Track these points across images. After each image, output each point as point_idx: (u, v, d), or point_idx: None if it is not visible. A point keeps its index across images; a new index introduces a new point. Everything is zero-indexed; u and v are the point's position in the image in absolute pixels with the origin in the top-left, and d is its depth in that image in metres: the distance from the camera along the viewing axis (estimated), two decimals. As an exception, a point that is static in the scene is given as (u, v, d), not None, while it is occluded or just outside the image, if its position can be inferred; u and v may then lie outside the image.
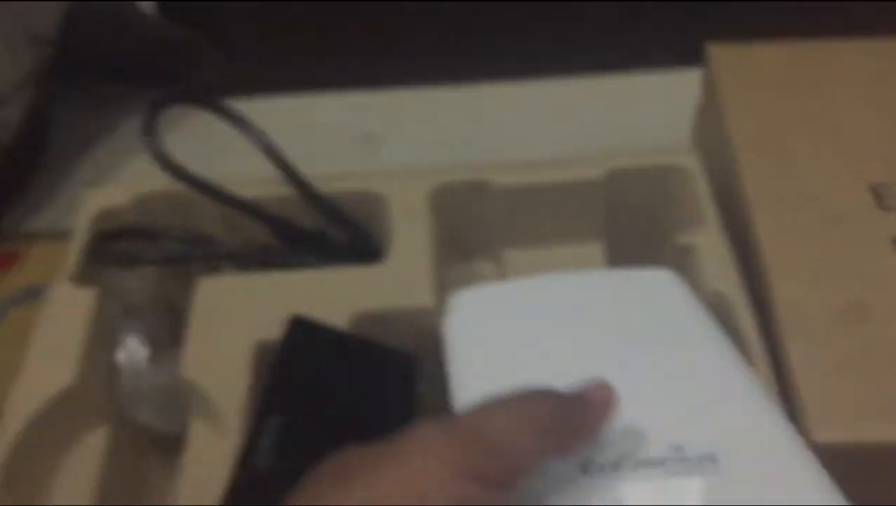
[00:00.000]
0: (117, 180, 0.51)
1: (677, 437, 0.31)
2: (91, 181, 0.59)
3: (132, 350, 0.43)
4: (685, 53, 0.55)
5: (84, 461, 0.41)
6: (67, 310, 0.43)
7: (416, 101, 0.62)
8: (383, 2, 0.59)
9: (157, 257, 0.45)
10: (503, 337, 0.38)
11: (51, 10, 0.53)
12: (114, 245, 0.46)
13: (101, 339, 0.43)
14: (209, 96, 0.45)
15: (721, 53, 0.50)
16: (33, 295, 0.53)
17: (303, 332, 0.40)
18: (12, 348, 0.43)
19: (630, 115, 0.61)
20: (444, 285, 0.44)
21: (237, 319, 0.42)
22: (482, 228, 0.49)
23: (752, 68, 0.50)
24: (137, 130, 0.60)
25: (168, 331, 0.46)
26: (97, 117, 0.63)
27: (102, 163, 0.61)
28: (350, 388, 0.39)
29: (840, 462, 0.34)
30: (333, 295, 0.42)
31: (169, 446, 0.42)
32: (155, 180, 0.46)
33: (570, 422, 0.29)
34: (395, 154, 0.60)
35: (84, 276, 0.45)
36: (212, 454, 0.37)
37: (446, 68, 0.60)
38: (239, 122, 0.45)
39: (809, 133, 0.46)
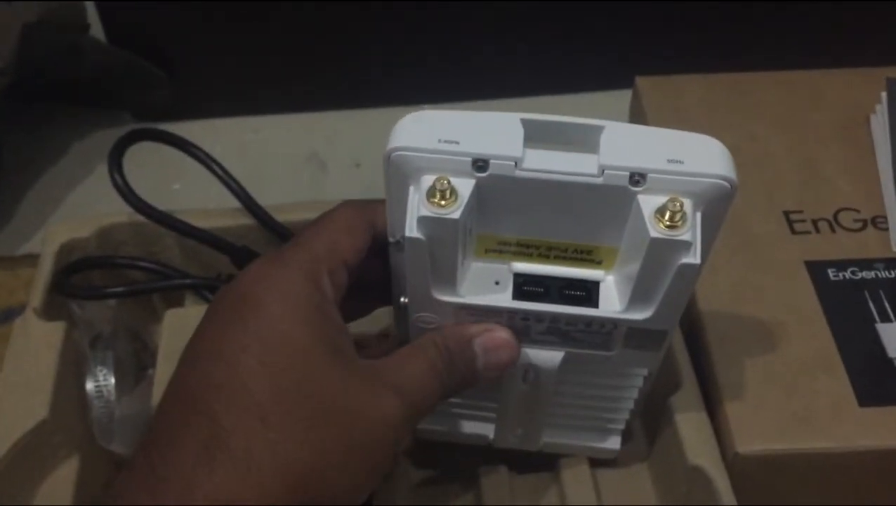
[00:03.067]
0: (80, 215, 0.52)
1: None
2: (43, 203, 0.60)
3: (101, 380, 0.45)
4: (614, 78, 0.59)
5: (57, 492, 0.42)
6: (36, 345, 0.44)
7: (363, 122, 0.64)
8: (331, 27, 0.61)
9: (122, 290, 0.46)
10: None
11: (5, 41, 0.53)
12: (78, 277, 0.47)
13: (70, 370, 0.44)
14: (173, 136, 0.46)
15: (647, 85, 0.54)
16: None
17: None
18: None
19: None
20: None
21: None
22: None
23: (676, 98, 0.54)
24: (88, 152, 0.63)
25: (134, 359, 0.48)
26: (48, 140, 0.64)
27: (54, 185, 0.61)
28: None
29: (762, 471, 0.39)
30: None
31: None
32: (111, 205, 0.48)
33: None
34: (342, 175, 0.63)
35: (50, 309, 0.46)
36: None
37: (393, 91, 0.63)
38: (202, 157, 0.47)
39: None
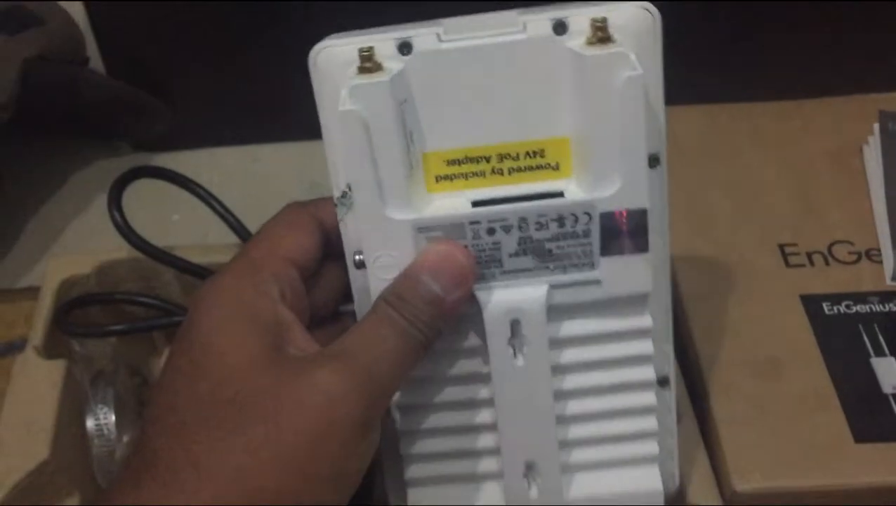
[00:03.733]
0: (80, 250, 0.52)
1: None
2: (43, 235, 0.61)
3: (101, 418, 0.45)
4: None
5: (58, 530, 0.42)
6: (37, 384, 0.44)
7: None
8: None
9: (122, 328, 0.47)
10: None
11: (5, 76, 0.54)
12: (78, 312, 0.48)
13: (71, 408, 0.45)
14: (172, 172, 0.46)
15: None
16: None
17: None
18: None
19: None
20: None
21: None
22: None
23: (669, 128, 0.54)
24: (88, 183, 0.63)
25: (133, 396, 0.48)
26: (47, 171, 0.64)
27: (53, 217, 0.62)
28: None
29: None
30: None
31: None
32: (111, 237, 0.47)
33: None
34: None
35: (50, 346, 0.46)
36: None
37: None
38: (203, 194, 0.47)
39: (725, 193, 0.51)
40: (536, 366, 0.33)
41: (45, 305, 0.47)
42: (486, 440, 0.35)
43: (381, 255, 0.32)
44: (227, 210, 0.48)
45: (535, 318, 0.32)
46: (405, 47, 0.30)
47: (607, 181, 0.31)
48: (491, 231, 0.31)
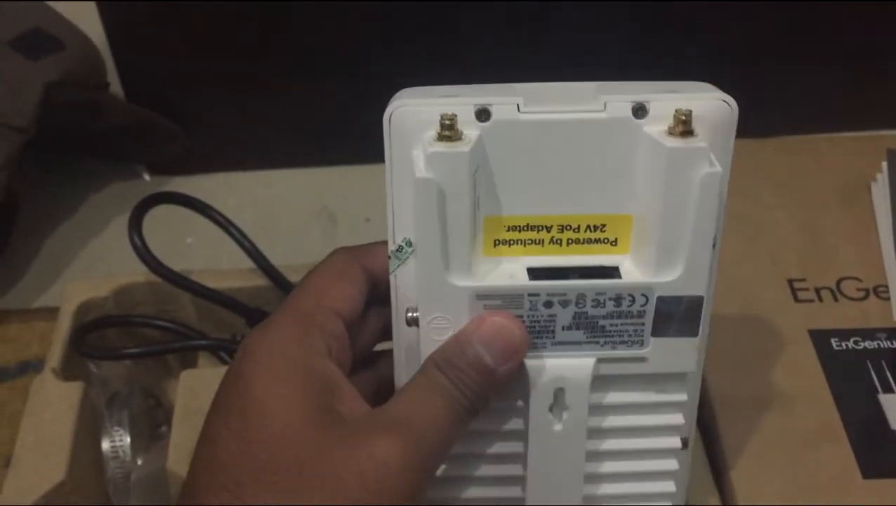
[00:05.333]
0: (97, 272, 0.53)
1: None
2: (59, 256, 0.61)
3: (117, 440, 0.46)
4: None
5: (74, 552, 0.42)
6: (54, 406, 0.44)
7: (373, 177, 0.65)
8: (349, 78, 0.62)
9: (139, 351, 0.47)
10: None
11: (28, 99, 0.55)
12: (94, 335, 0.48)
13: (87, 430, 0.45)
14: (193, 199, 0.47)
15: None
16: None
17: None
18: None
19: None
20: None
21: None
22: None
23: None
24: (104, 205, 0.64)
25: (147, 417, 0.48)
26: (64, 193, 0.65)
27: (70, 238, 0.62)
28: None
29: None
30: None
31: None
32: (126, 259, 0.48)
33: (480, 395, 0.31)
34: (353, 229, 0.64)
35: (67, 368, 0.47)
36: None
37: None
38: (221, 221, 0.48)
39: (734, 227, 0.51)
40: (574, 431, 0.33)
41: (63, 327, 0.48)
42: (511, 491, 0.35)
43: (436, 316, 0.31)
44: (244, 236, 0.49)
45: (580, 389, 0.32)
46: (484, 114, 0.30)
47: (670, 267, 0.31)
48: (548, 304, 0.31)
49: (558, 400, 0.33)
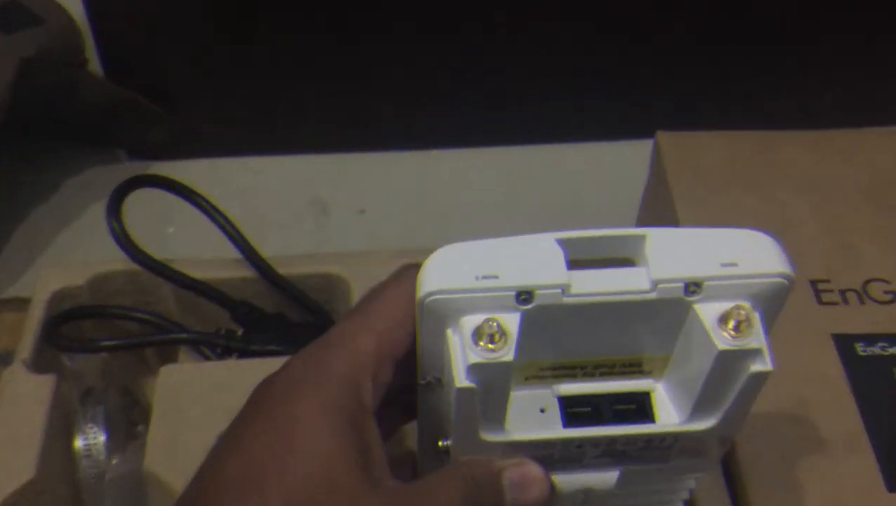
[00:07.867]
0: (73, 260, 0.50)
1: None
2: (31, 243, 0.59)
3: (91, 438, 0.43)
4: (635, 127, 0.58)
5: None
6: (24, 400, 0.42)
7: (368, 166, 0.63)
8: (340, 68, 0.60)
9: (116, 343, 0.45)
10: None
11: (1, 74, 0.52)
12: (69, 326, 0.45)
13: (59, 426, 0.43)
14: (177, 183, 0.44)
15: (668, 142, 0.53)
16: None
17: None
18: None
19: (583, 182, 0.64)
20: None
21: (199, 408, 0.42)
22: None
23: (697, 157, 0.52)
24: (80, 191, 0.61)
25: (124, 416, 0.46)
26: (38, 177, 0.62)
27: (43, 225, 0.60)
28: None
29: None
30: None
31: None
32: (102, 247, 0.46)
33: None
34: (346, 221, 0.61)
35: (39, 360, 0.44)
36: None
37: (400, 134, 0.62)
38: (208, 208, 0.45)
39: (753, 225, 0.49)
40: None
41: (35, 317, 0.46)
42: None
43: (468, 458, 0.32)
44: (231, 225, 0.46)
45: (604, 493, 0.33)
46: (525, 299, 0.28)
47: (705, 418, 0.31)
48: (580, 446, 0.31)
49: (583, 502, 0.34)
